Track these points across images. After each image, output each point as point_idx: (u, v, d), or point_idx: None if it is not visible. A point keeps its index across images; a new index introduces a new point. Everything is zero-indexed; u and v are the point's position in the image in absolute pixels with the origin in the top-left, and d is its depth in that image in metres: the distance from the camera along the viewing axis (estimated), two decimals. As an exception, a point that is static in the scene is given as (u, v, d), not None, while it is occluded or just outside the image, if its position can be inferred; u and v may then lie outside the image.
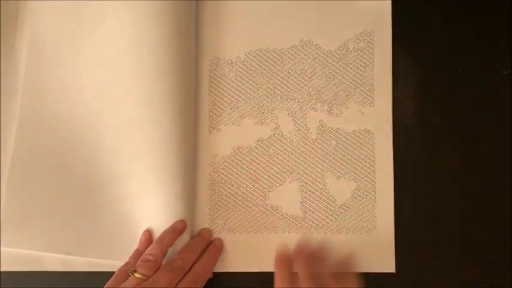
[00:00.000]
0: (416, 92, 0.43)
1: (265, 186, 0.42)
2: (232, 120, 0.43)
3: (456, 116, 0.42)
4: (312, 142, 0.42)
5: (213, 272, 0.41)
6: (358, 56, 0.43)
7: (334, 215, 0.42)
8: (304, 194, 0.42)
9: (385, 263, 0.41)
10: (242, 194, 0.42)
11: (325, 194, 0.42)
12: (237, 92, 0.43)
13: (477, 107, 0.42)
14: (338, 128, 0.42)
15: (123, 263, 0.37)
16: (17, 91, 0.42)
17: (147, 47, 0.39)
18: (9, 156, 0.41)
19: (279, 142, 0.42)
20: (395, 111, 0.42)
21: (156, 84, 0.39)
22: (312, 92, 0.43)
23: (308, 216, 0.42)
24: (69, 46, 0.41)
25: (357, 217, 0.42)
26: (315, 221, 0.42)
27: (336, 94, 0.43)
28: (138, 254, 0.38)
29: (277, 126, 0.43)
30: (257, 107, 0.43)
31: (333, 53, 0.43)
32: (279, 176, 0.42)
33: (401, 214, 0.42)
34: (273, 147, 0.42)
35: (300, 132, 0.43)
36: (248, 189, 0.42)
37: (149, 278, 0.35)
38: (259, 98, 0.43)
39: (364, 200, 0.42)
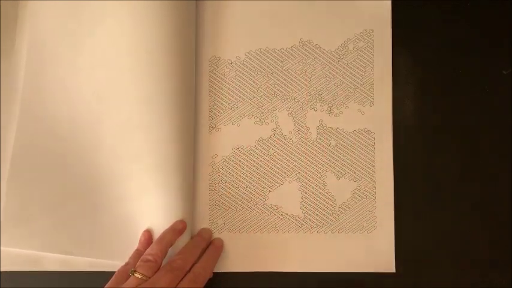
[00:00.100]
0: (416, 92, 0.43)
1: (265, 186, 0.42)
2: (232, 120, 0.43)
3: (456, 116, 0.42)
4: (312, 142, 0.42)
5: (213, 272, 0.41)
6: (358, 56, 0.43)
7: (334, 215, 0.42)
8: (304, 194, 0.42)
9: (385, 263, 0.41)
10: (242, 194, 0.42)
11: (325, 194, 0.42)
12: (236, 92, 0.43)
13: (477, 107, 0.42)
14: (338, 128, 0.42)
15: (123, 263, 0.37)
16: (17, 91, 0.42)
17: (147, 47, 0.39)
18: (9, 156, 0.41)
19: (279, 142, 0.42)
20: (395, 111, 0.42)
21: (156, 84, 0.39)
22: (312, 92, 0.43)
23: (308, 216, 0.42)
24: (69, 46, 0.41)
25: (357, 217, 0.42)
26: (315, 221, 0.42)
27: (336, 94, 0.43)
28: (138, 254, 0.38)
29: (277, 126, 0.43)
30: (257, 107, 0.43)
31: (333, 53, 0.43)
32: (279, 176, 0.42)
33: (401, 214, 0.42)
34: (273, 147, 0.42)
35: (300, 132, 0.42)
36: (248, 189, 0.42)
37: (149, 278, 0.35)
38: (259, 98, 0.43)
39: (364, 200, 0.42)
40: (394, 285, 0.41)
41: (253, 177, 0.42)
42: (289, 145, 0.42)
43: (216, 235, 0.42)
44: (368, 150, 0.42)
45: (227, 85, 0.43)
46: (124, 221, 0.40)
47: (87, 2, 0.41)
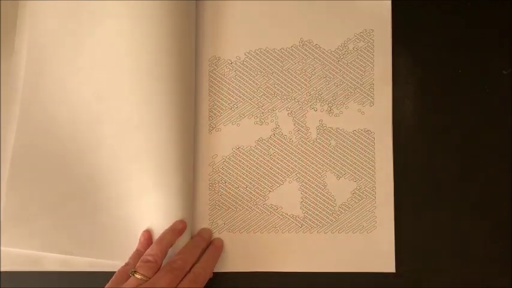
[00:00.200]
0: (416, 92, 0.43)
1: (265, 186, 0.42)
2: (232, 120, 0.43)
3: (456, 116, 0.42)
4: (311, 142, 0.42)
5: (213, 272, 0.41)
6: (358, 55, 0.43)
7: (334, 215, 0.42)
8: (304, 194, 0.42)
9: (385, 263, 0.41)
10: (242, 194, 0.42)
11: (325, 194, 0.42)
12: (236, 91, 0.43)
13: (477, 107, 0.42)
14: (338, 128, 0.42)
15: (123, 263, 0.37)
16: (17, 91, 0.42)
17: (147, 47, 0.39)
18: (9, 156, 0.41)
19: (279, 142, 0.42)
20: (395, 111, 0.42)
21: (156, 84, 0.39)
22: (312, 92, 0.43)
23: (308, 216, 0.42)
24: (69, 46, 0.41)
25: (357, 217, 0.42)
26: (315, 221, 0.42)
27: (335, 94, 0.43)
28: (137, 254, 0.38)
29: (277, 126, 0.43)
30: (257, 106, 0.43)
31: (333, 52, 0.43)
32: (279, 176, 0.42)
33: (401, 214, 0.42)
34: (272, 147, 0.42)
35: (299, 132, 0.42)
36: (248, 189, 0.42)
37: (149, 278, 0.35)
38: (259, 98, 0.43)
39: (364, 200, 0.42)
40: (394, 285, 0.41)
41: (253, 177, 0.42)
42: (289, 145, 0.42)
43: (216, 235, 0.42)
44: (368, 150, 0.42)
45: (227, 85, 0.43)
46: (124, 221, 0.40)
47: (87, 2, 0.41)
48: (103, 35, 0.41)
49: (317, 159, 0.42)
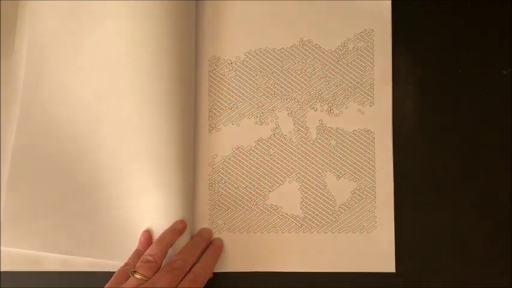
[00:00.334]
0: (416, 92, 0.43)
1: (265, 186, 0.42)
2: (231, 120, 0.43)
3: (456, 116, 0.42)
4: (311, 142, 0.42)
5: (213, 272, 0.41)
6: (358, 55, 0.43)
7: (334, 215, 0.42)
8: (304, 194, 0.42)
9: (385, 263, 0.41)
10: (242, 194, 0.42)
11: (325, 193, 0.42)
12: (236, 91, 0.43)
13: (477, 107, 0.42)
14: (338, 128, 0.42)
15: (122, 263, 0.37)
16: (17, 91, 0.42)
17: (146, 47, 0.39)
18: (9, 156, 0.41)
19: (279, 142, 0.42)
20: (395, 111, 0.42)
21: (156, 84, 0.39)
22: (312, 92, 0.43)
23: (308, 216, 0.42)
24: (69, 46, 0.41)
25: (357, 217, 0.42)
26: (315, 221, 0.42)
27: (335, 94, 0.43)
28: (137, 254, 0.38)
29: (277, 126, 0.43)
30: (257, 106, 0.43)
31: (333, 52, 0.43)
32: (279, 176, 0.42)
33: (401, 214, 0.42)
34: (272, 147, 0.42)
35: (299, 132, 0.42)
36: (248, 189, 0.42)
37: (149, 278, 0.35)
38: (258, 98, 0.43)
39: (364, 200, 0.42)
40: (394, 285, 0.41)
41: (253, 177, 0.42)
42: (289, 145, 0.42)
43: (216, 235, 0.42)
44: (368, 150, 0.42)
45: (227, 85, 0.43)
46: (124, 221, 0.40)
47: (87, 2, 0.41)
48: (103, 35, 0.41)
49: (317, 159, 0.42)
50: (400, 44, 0.43)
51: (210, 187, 0.42)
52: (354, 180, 0.42)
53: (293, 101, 0.43)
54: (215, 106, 0.43)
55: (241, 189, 0.42)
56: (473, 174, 0.42)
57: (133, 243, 0.39)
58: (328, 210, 0.42)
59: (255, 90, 0.43)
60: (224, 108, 0.43)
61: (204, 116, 0.43)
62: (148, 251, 0.37)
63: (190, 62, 0.42)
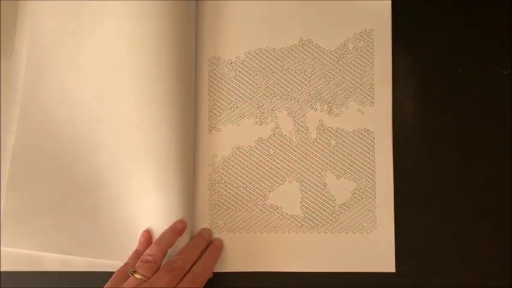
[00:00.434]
0: (416, 92, 0.43)
1: (265, 186, 0.42)
2: (231, 120, 0.43)
3: (456, 116, 0.42)
4: (311, 142, 0.42)
5: (213, 272, 0.41)
6: (358, 55, 0.43)
7: (334, 214, 0.42)
8: (304, 193, 0.42)
9: (385, 263, 0.41)
10: (242, 194, 0.42)
11: (325, 193, 0.42)
12: (236, 91, 0.43)
13: (477, 107, 0.42)
14: (338, 128, 0.42)
15: (122, 263, 0.37)
16: (17, 91, 0.42)
17: (146, 47, 0.39)
18: (9, 156, 0.41)
19: (279, 142, 0.42)
20: (395, 111, 0.42)
21: (156, 84, 0.39)
22: (312, 92, 0.43)
23: (308, 216, 0.42)
24: (69, 46, 0.41)
25: (357, 217, 0.42)
26: (315, 221, 0.42)
27: (335, 94, 0.43)
28: (137, 254, 0.38)
29: (277, 126, 0.43)
30: (257, 106, 0.43)
31: (333, 52, 0.43)
32: (278, 176, 0.42)
33: (401, 214, 0.42)
34: (272, 147, 0.42)
35: (299, 132, 0.42)
36: (248, 189, 0.42)
37: (149, 278, 0.35)
38: (258, 98, 0.43)
39: (364, 199, 0.42)
40: (394, 285, 0.41)
41: (253, 177, 0.42)
42: (289, 145, 0.42)
43: (216, 235, 0.42)
44: (368, 150, 0.42)
45: (227, 85, 0.43)
46: (124, 221, 0.40)
47: (87, 2, 0.41)
48: (103, 35, 0.41)
49: (317, 159, 0.42)
50: (400, 44, 0.43)
51: (210, 187, 0.42)
52: (354, 180, 0.42)
53: (293, 101, 0.43)
54: (215, 106, 0.43)
55: (241, 189, 0.42)
56: (473, 174, 0.42)
57: (133, 243, 0.39)
58: (328, 210, 0.42)
59: (255, 90, 0.43)
60: (224, 108, 0.43)
61: (204, 116, 0.43)
62: (148, 251, 0.37)
63: (190, 62, 0.42)
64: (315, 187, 0.42)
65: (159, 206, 0.39)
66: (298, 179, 0.42)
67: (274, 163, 0.42)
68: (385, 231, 0.42)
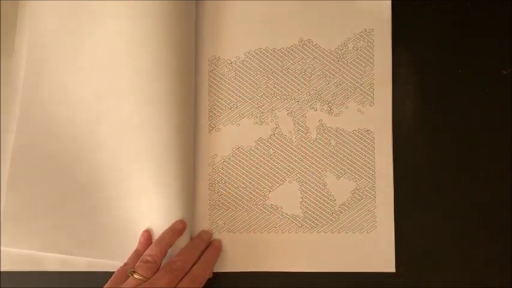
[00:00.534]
0: (416, 92, 0.43)
1: (265, 186, 0.42)
2: (231, 120, 0.43)
3: (456, 116, 0.42)
4: (311, 142, 0.42)
5: (213, 272, 0.41)
6: (358, 55, 0.43)
7: (334, 214, 0.42)
8: (304, 193, 0.42)
9: (385, 263, 0.41)
10: (242, 194, 0.42)
11: (325, 193, 0.42)
12: (236, 91, 0.43)
13: (477, 107, 0.42)
14: (338, 128, 0.42)
15: (122, 263, 0.37)
16: (17, 91, 0.42)
17: (146, 47, 0.39)
18: (9, 156, 0.41)
19: (279, 142, 0.42)
20: (395, 111, 0.42)
21: (156, 84, 0.39)
22: (312, 92, 0.43)
23: (308, 216, 0.42)
24: (69, 46, 0.41)
25: (357, 217, 0.42)
26: (315, 221, 0.42)
27: (335, 94, 0.43)
28: (137, 254, 0.38)
29: (277, 126, 0.43)
30: (257, 106, 0.43)
31: (333, 52, 0.43)
32: (278, 176, 0.42)
33: (401, 214, 0.42)
34: (272, 147, 0.42)
35: (299, 132, 0.42)
36: (248, 189, 0.42)
37: (148, 279, 0.35)
38: (258, 98, 0.43)
39: (364, 199, 0.42)
40: (394, 285, 0.41)
41: (253, 177, 0.42)
42: (289, 145, 0.42)
43: (216, 235, 0.42)
44: (368, 150, 0.42)
45: (227, 85, 0.43)
46: (124, 221, 0.40)
47: (87, 2, 0.41)
48: (103, 35, 0.41)
49: (317, 159, 0.42)
50: (400, 44, 0.43)
51: (210, 187, 0.42)
52: (354, 180, 0.42)
53: (293, 100, 0.43)
54: (215, 106, 0.43)
55: (241, 189, 0.42)
56: (473, 174, 0.42)
57: (133, 243, 0.39)
58: (328, 210, 0.42)
59: (255, 90, 0.43)
60: (224, 108, 0.43)
61: (204, 116, 0.43)
62: (147, 252, 0.37)
63: (190, 62, 0.42)
64: (315, 187, 0.42)
65: (159, 206, 0.39)
66: (298, 179, 0.42)
67: (274, 163, 0.42)
68: (385, 231, 0.42)
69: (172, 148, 0.39)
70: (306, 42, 0.43)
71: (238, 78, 0.43)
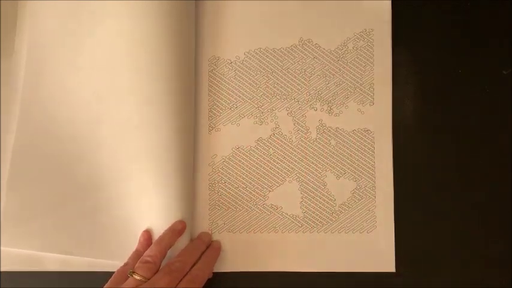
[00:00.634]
0: (416, 92, 0.42)
1: (265, 186, 0.42)
2: (231, 120, 0.43)
3: (456, 116, 0.42)
4: (311, 142, 0.42)
5: (213, 272, 0.41)
6: (357, 55, 0.43)
7: (334, 214, 0.42)
8: (304, 193, 0.42)
9: (385, 263, 0.41)
10: (242, 194, 0.42)
11: (325, 193, 0.42)
12: (236, 91, 0.43)
13: (477, 107, 0.42)
14: (338, 128, 0.42)
15: (122, 263, 0.37)
16: (17, 91, 0.42)
17: (146, 47, 0.39)
18: (9, 156, 0.41)
19: (279, 142, 0.42)
20: (395, 111, 0.42)
21: (156, 84, 0.39)
22: (312, 92, 0.43)
23: (308, 216, 0.42)
24: (69, 46, 0.41)
25: (357, 217, 0.42)
26: (315, 221, 0.42)
27: (335, 93, 0.43)
28: (137, 254, 0.38)
29: (277, 126, 0.43)
30: (256, 106, 0.43)
31: (333, 52, 0.43)
32: (278, 176, 0.42)
33: (401, 214, 0.42)
34: (272, 147, 0.42)
35: (299, 132, 0.42)
36: (248, 189, 0.42)
37: (148, 279, 0.35)
38: (258, 98, 0.43)
39: (364, 199, 0.42)
40: (394, 285, 0.41)
41: (253, 177, 0.42)
42: (289, 145, 0.42)
43: (216, 235, 0.42)
44: (368, 150, 0.42)
45: (227, 85, 0.43)
46: (124, 221, 0.40)
47: (87, 2, 0.41)
48: (103, 35, 0.41)
49: (317, 158, 0.42)
50: (400, 44, 0.43)
51: (210, 187, 0.42)
52: (354, 179, 0.42)
53: (293, 100, 0.43)
54: (215, 106, 0.43)
55: (241, 189, 0.42)
56: (473, 174, 0.42)
57: (133, 243, 0.39)
58: (328, 210, 0.42)
59: (255, 90, 0.43)
60: (224, 108, 0.43)
61: (204, 116, 0.43)
62: (147, 252, 0.37)
63: (190, 62, 0.42)
64: (315, 187, 0.42)
65: (159, 206, 0.39)
66: (298, 179, 0.42)
67: (274, 163, 0.42)
68: (385, 231, 0.42)
69: (172, 148, 0.39)
70: (305, 42, 0.43)
71: (238, 78, 0.43)
